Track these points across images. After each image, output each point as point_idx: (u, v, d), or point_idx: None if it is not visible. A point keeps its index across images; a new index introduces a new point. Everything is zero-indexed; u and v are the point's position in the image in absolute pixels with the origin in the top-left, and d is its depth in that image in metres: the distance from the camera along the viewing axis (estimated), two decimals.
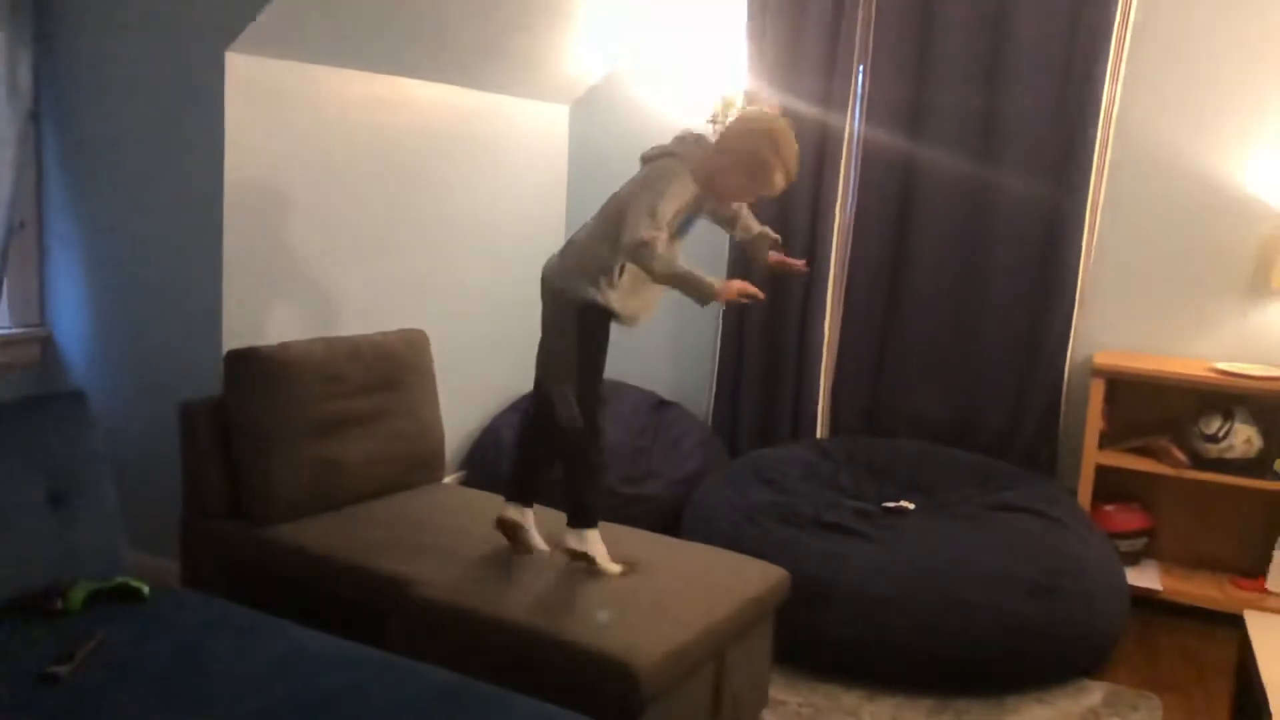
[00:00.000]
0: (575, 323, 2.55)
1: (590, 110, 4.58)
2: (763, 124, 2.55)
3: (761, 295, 2.57)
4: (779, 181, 2.54)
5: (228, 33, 2.95)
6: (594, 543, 2.56)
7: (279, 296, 3.28)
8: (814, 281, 4.06)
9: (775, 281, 4.16)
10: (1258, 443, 3.46)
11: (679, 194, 2.51)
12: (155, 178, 3.16)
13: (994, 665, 2.91)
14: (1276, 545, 3.54)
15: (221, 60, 2.98)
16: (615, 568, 2.54)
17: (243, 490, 2.85)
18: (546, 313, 2.65)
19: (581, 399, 2.56)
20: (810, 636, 2.96)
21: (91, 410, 2.37)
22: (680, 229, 2.59)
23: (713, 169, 2.55)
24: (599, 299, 2.51)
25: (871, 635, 2.92)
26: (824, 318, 4.09)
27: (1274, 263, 3.52)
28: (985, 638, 2.89)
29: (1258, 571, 3.58)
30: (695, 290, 2.48)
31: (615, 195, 2.59)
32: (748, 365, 4.22)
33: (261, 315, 3.22)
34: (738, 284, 2.52)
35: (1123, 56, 3.67)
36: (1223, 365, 3.52)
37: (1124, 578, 3.22)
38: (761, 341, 4.21)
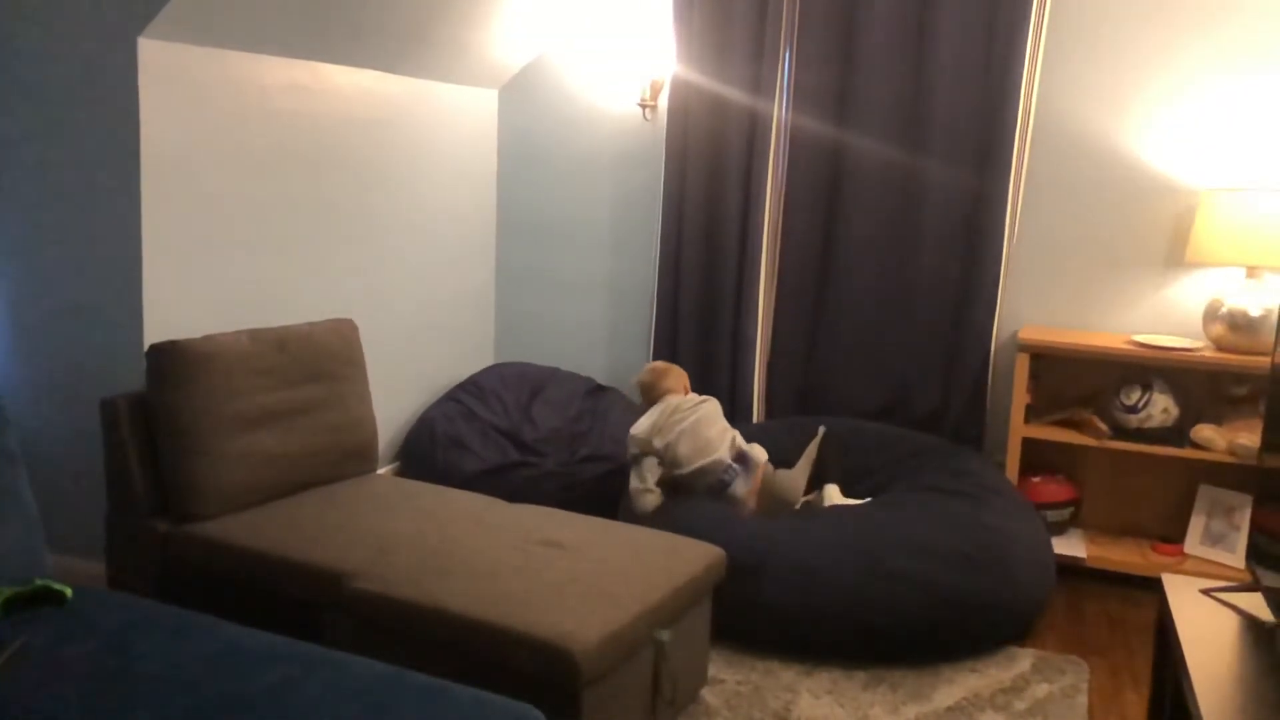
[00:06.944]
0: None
1: (520, 95, 4.54)
2: None
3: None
4: None
5: (139, 18, 2.87)
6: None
7: (202, 289, 3.21)
8: (747, 267, 4.09)
9: (709, 266, 4.20)
10: (1174, 411, 3.57)
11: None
12: (69, 170, 3.06)
13: (923, 633, 2.97)
14: (1193, 510, 3.68)
15: (134, 47, 2.90)
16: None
17: (169, 487, 2.80)
18: None
19: None
20: (744, 608, 3.00)
21: (5, 410, 2.29)
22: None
23: None
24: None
25: (802, 603, 2.96)
26: (757, 301, 4.12)
27: (1186, 238, 3.63)
28: (914, 606, 2.95)
29: (1177, 536, 3.71)
30: None
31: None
32: (683, 349, 4.24)
33: (184, 308, 3.15)
34: None
35: (1041, 42, 3.75)
36: (1140, 338, 3.63)
37: (1050, 547, 3.31)
38: (696, 326, 4.23)
